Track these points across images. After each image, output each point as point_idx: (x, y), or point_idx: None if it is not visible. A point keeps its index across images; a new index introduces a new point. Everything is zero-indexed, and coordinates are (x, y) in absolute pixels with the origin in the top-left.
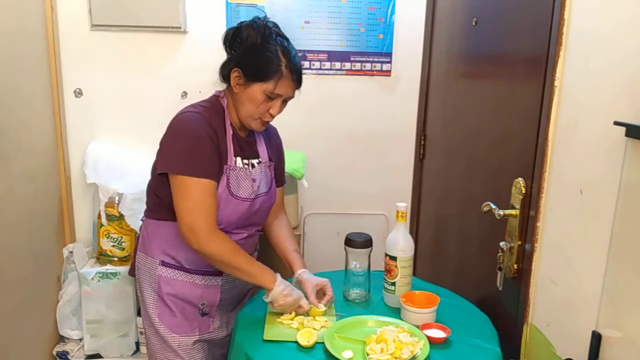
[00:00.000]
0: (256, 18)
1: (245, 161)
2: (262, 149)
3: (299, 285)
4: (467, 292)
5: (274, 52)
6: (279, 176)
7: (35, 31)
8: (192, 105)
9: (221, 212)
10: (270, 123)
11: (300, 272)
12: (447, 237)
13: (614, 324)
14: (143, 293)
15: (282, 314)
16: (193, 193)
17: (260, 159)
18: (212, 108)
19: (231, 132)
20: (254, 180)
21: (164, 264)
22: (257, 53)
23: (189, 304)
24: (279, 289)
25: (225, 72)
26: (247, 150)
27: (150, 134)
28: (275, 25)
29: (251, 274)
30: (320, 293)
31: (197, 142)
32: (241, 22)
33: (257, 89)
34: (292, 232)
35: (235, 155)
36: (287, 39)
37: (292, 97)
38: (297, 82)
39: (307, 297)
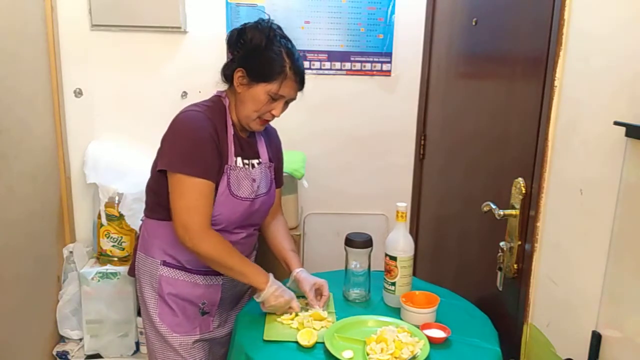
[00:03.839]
0: (260, 20)
1: (246, 161)
2: (262, 149)
3: (296, 284)
4: (467, 292)
5: (279, 54)
6: (278, 177)
7: (35, 31)
8: (195, 104)
9: (221, 211)
10: (270, 124)
11: (298, 271)
12: (447, 237)
13: (614, 324)
14: (143, 293)
15: (282, 314)
16: (190, 193)
17: (260, 160)
18: (215, 107)
19: (232, 132)
20: (254, 180)
21: (165, 264)
22: (261, 54)
23: (190, 304)
24: (271, 290)
25: (228, 73)
26: (247, 150)
27: (150, 134)
28: (279, 27)
29: (244, 274)
30: (317, 293)
31: (198, 142)
32: (245, 24)
33: (261, 90)
34: (288, 232)
35: (236, 155)
36: (290, 41)
37: (294, 98)
38: (300, 84)
39: (305, 296)
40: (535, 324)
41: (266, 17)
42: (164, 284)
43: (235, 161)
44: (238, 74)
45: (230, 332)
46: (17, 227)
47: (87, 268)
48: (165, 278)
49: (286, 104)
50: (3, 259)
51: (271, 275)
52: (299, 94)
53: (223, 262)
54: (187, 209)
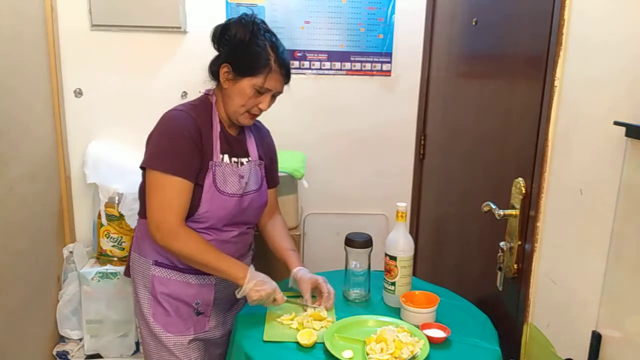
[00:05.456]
0: (244, 15)
1: (234, 159)
2: (252, 147)
3: (296, 283)
4: (467, 292)
5: (263, 47)
6: (272, 177)
7: (35, 31)
8: (181, 104)
9: (209, 207)
10: (264, 125)
11: (296, 270)
12: (447, 237)
13: (614, 324)
14: (137, 293)
15: (282, 314)
16: (165, 190)
17: (250, 158)
18: (201, 106)
19: (219, 129)
20: (241, 177)
21: (157, 263)
22: (246, 48)
23: (183, 304)
24: (249, 285)
25: (214, 69)
26: (236, 148)
27: None
28: (263, 22)
29: (220, 271)
30: (317, 291)
31: (177, 141)
32: (229, 19)
33: (247, 84)
34: (287, 231)
35: (223, 152)
36: (274, 35)
37: (280, 92)
38: (286, 77)
39: (302, 296)
40: (535, 324)
41: (250, 12)
42: (156, 284)
43: (222, 158)
44: (224, 70)
45: (227, 333)
46: (17, 227)
47: (87, 268)
48: (158, 278)
49: (273, 97)
50: (3, 259)
51: (251, 269)
52: (286, 87)
53: (196, 259)
54: (161, 207)
